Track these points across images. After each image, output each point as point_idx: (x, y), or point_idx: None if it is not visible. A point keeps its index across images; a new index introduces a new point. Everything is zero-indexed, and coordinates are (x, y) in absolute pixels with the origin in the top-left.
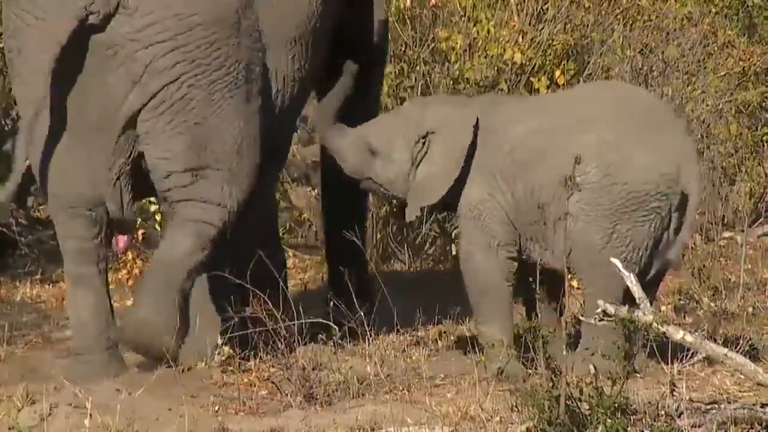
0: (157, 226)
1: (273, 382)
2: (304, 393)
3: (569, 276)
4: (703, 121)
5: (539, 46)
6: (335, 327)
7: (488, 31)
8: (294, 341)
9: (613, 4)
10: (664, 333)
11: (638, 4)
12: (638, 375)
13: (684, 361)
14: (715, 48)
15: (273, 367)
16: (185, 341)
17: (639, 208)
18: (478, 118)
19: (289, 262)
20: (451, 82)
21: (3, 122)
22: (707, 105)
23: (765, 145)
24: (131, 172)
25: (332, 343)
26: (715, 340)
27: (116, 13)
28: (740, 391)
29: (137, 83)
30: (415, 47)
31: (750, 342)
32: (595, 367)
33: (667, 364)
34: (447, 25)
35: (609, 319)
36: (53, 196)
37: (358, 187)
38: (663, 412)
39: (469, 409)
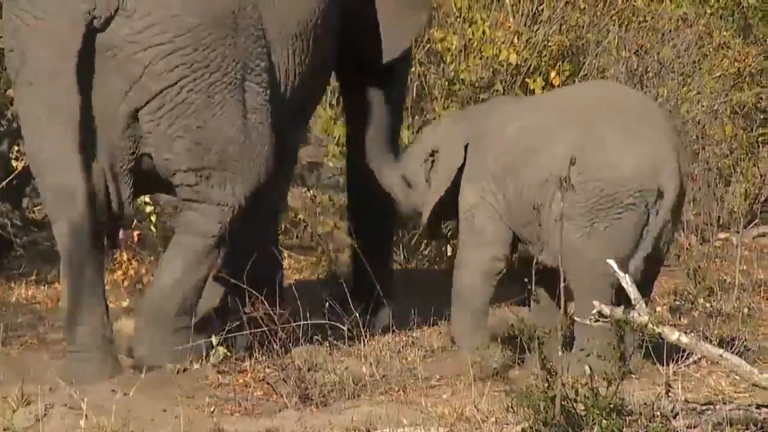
0: (152, 228)
1: (269, 383)
2: (300, 394)
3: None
4: (699, 122)
5: (534, 47)
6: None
7: (483, 32)
8: (291, 343)
9: (609, 5)
10: (660, 334)
11: (633, 5)
12: (634, 376)
13: (679, 362)
14: (711, 49)
15: (269, 367)
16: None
17: (614, 205)
18: (469, 135)
19: (284, 263)
20: (447, 83)
21: None
22: (702, 106)
23: (760, 146)
24: (131, 171)
25: (328, 344)
26: (710, 341)
27: (115, 15)
28: (736, 392)
29: (136, 84)
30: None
31: (745, 343)
32: (590, 368)
33: (663, 365)
34: (442, 25)
35: (604, 320)
36: (51, 192)
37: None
38: (658, 413)
39: (465, 410)
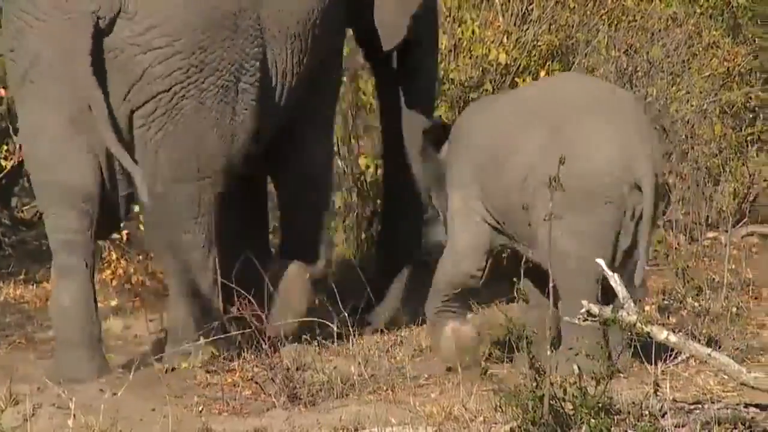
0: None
1: (257, 383)
2: (288, 393)
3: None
4: (688, 122)
5: (524, 47)
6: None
7: (473, 32)
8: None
9: (598, 4)
10: (648, 333)
11: (623, 5)
12: (622, 375)
13: (668, 361)
14: (700, 48)
15: (257, 367)
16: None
17: (590, 200)
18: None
19: None
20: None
21: None
22: (692, 105)
23: (749, 145)
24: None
25: (316, 343)
26: (699, 341)
27: (117, 17)
28: (724, 391)
29: (135, 85)
30: None
31: (734, 342)
32: (579, 367)
33: (651, 364)
34: None
35: (593, 319)
36: (49, 187)
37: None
38: (647, 412)
39: (453, 409)
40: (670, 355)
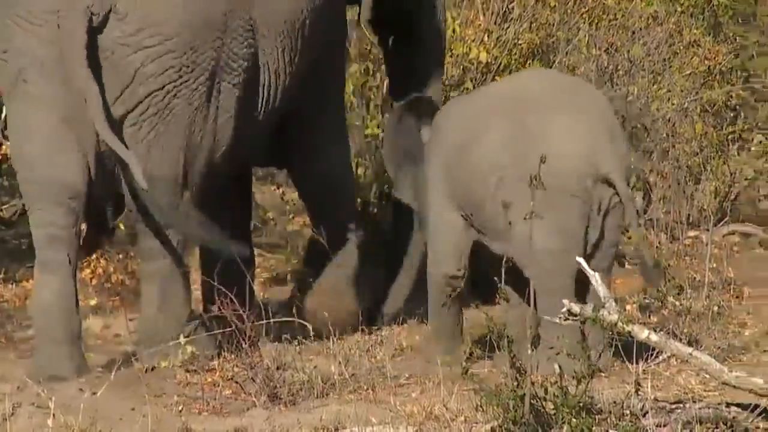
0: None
1: (237, 382)
2: (268, 392)
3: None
4: (669, 120)
5: (505, 45)
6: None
7: (454, 30)
8: (260, 340)
9: (579, 3)
10: (629, 332)
11: (604, 3)
12: (603, 374)
13: (649, 361)
14: (681, 47)
15: (237, 366)
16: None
17: (556, 195)
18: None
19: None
20: None
21: None
22: (673, 104)
23: (730, 144)
24: (120, 171)
25: (296, 343)
26: (680, 340)
27: (109, 16)
28: (705, 391)
29: (127, 87)
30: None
31: (715, 341)
32: (560, 367)
33: (632, 364)
34: None
35: (574, 318)
36: (37, 184)
37: None
38: (628, 412)
39: (434, 409)
40: (652, 355)
